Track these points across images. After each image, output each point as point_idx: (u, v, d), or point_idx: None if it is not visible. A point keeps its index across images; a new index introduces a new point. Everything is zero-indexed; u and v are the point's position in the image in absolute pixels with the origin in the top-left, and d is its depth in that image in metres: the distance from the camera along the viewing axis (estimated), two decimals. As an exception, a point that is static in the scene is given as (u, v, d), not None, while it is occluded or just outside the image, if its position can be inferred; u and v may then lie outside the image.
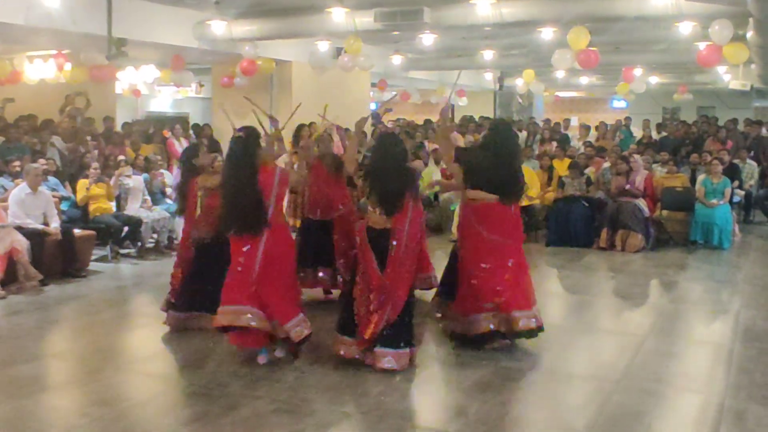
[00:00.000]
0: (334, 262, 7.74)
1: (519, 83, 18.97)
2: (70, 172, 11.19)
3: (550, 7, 10.23)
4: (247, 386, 5.41)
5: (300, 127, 13.23)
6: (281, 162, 8.24)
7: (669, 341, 6.74)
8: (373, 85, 17.81)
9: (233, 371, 5.15)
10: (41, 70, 12.69)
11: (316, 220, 7.84)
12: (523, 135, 17.39)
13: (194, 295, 6.67)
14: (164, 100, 22.05)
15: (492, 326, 6.06)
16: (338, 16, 10.80)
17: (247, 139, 5.69)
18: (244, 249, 5.59)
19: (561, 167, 12.63)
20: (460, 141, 16.37)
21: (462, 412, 4.94)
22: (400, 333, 5.61)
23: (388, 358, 5.52)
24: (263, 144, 5.84)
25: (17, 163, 9.94)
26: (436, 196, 13.16)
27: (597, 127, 17.41)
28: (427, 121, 19.47)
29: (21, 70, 12.56)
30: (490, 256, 6.15)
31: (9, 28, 9.45)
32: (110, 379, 5.57)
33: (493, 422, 4.81)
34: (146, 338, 6.78)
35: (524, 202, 8.70)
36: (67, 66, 12.74)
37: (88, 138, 12.46)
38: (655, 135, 17.10)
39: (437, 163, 13.11)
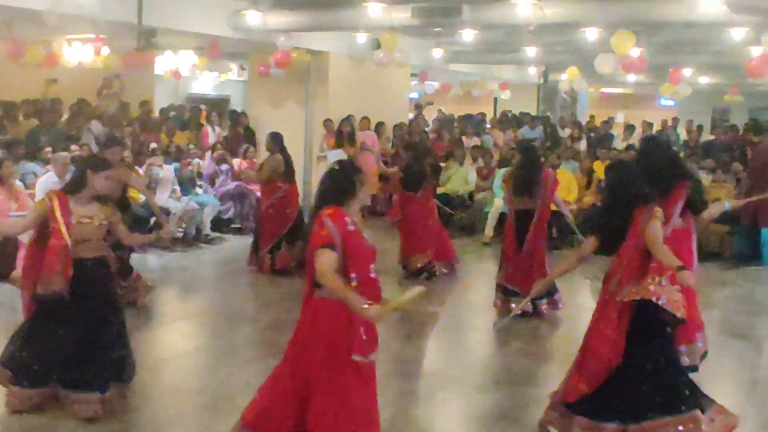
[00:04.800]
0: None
1: (563, 79, 18.51)
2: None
3: (594, 8, 9.80)
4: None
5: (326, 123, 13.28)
6: None
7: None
8: (414, 75, 17.52)
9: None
10: (79, 53, 12.68)
11: None
12: (566, 132, 17.02)
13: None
14: (206, 83, 21.96)
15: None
16: (374, 10, 10.52)
17: (344, 172, 4.13)
18: None
19: (601, 169, 12.17)
20: (500, 139, 16.08)
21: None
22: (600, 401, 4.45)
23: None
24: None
25: (49, 149, 9.93)
26: (471, 195, 12.89)
27: (642, 128, 16.96)
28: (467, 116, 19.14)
29: (59, 54, 12.53)
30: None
31: (37, 14, 9.26)
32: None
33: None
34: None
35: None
36: (105, 50, 12.71)
37: (124, 123, 12.44)
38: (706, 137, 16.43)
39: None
